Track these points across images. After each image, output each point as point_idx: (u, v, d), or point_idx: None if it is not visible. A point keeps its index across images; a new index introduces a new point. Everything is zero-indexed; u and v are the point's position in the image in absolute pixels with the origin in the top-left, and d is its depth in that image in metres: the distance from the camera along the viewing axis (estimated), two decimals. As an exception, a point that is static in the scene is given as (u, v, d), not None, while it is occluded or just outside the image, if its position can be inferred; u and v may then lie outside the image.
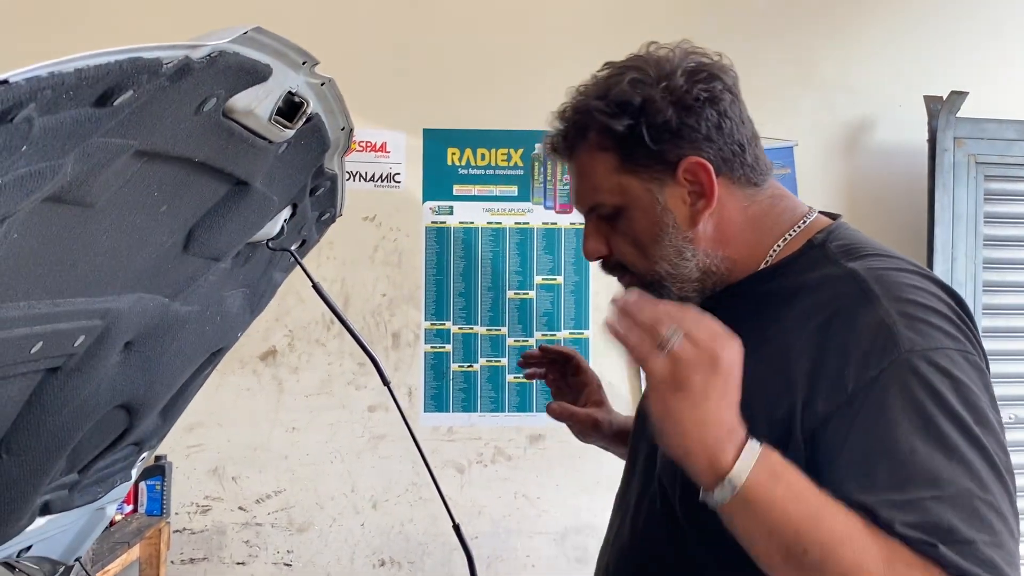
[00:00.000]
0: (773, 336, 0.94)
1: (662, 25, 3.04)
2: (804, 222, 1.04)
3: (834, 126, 3.09)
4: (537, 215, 3.03)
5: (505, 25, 3.01)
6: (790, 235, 1.03)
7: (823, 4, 3.13)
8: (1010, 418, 2.87)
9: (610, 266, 1.09)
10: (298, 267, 1.25)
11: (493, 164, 3.00)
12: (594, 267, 3.00)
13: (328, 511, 2.92)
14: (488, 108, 3.00)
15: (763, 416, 0.88)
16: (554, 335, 3.01)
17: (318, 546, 2.90)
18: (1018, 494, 0.88)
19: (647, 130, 0.97)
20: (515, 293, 3.01)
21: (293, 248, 1.28)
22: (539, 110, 3.14)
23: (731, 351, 0.83)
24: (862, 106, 3.10)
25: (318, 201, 1.22)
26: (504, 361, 2.99)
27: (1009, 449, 0.87)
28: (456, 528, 1.26)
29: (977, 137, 2.95)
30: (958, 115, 2.88)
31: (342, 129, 1.07)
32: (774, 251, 1.02)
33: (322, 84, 0.91)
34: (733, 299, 1.02)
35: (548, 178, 3.02)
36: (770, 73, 3.02)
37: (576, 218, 3.03)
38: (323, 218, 1.30)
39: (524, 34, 3.02)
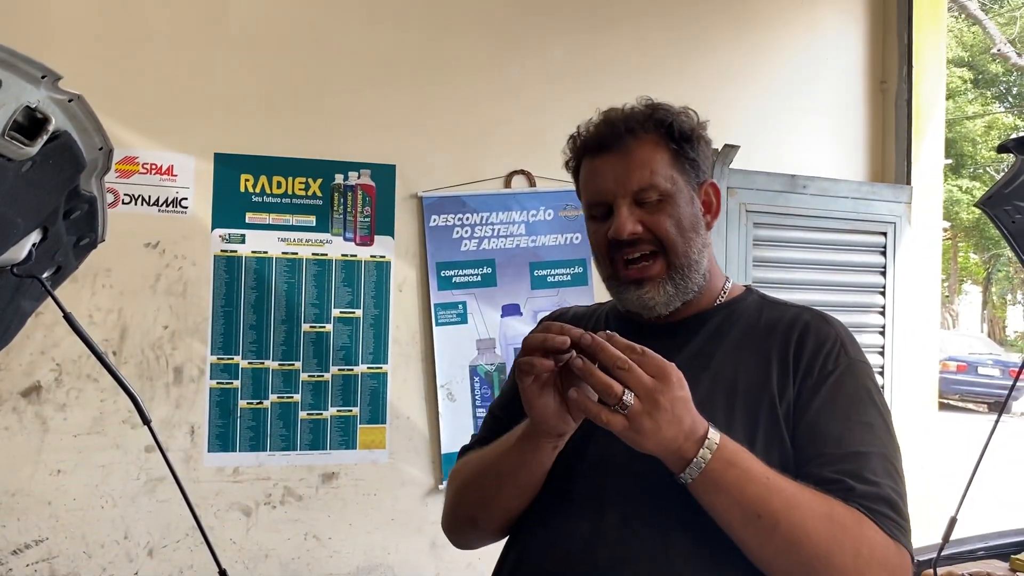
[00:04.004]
0: (748, 349, 1.22)
1: (463, 70, 3.14)
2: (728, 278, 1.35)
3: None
4: (336, 246, 2.97)
5: (306, 52, 2.96)
6: (729, 283, 1.32)
7: (597, 64, 3.31)
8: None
9: (635, 246, 1.23)
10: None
11: (290, 192, 2.93)
12: (394, 300, 3.02)
13: (97, 560, 2.69)
14: (287, 136, 2.93)
15: (752, 400, 1.16)
16: (351, 370, 2.95)
17: (84, 600, 2.66)
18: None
19: (696, 144, 1.25)
20: (311, 326, 2.93)
21: (46, 275, 1.18)
22: (340, 141, 3.11)
23: (673, 381, 1.00)
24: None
25: (74, 225, 1.13)
26: (297, 397, 2.89)
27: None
28: (222, 574, 1.20)
29: (748, 187, 3.22)
30: (731, 167, 3.12)
31: (100, 149, 1.00)
32: (724, 291, 1.31)
33: (70, 100, 0.84)
34: (703, 322, 1.27)
35: (348, 209, 2.98)
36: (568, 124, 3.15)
37: (376, 251, 3.02)
38: (82, 243, 1.21)
39: (326, 62, 2.98)
